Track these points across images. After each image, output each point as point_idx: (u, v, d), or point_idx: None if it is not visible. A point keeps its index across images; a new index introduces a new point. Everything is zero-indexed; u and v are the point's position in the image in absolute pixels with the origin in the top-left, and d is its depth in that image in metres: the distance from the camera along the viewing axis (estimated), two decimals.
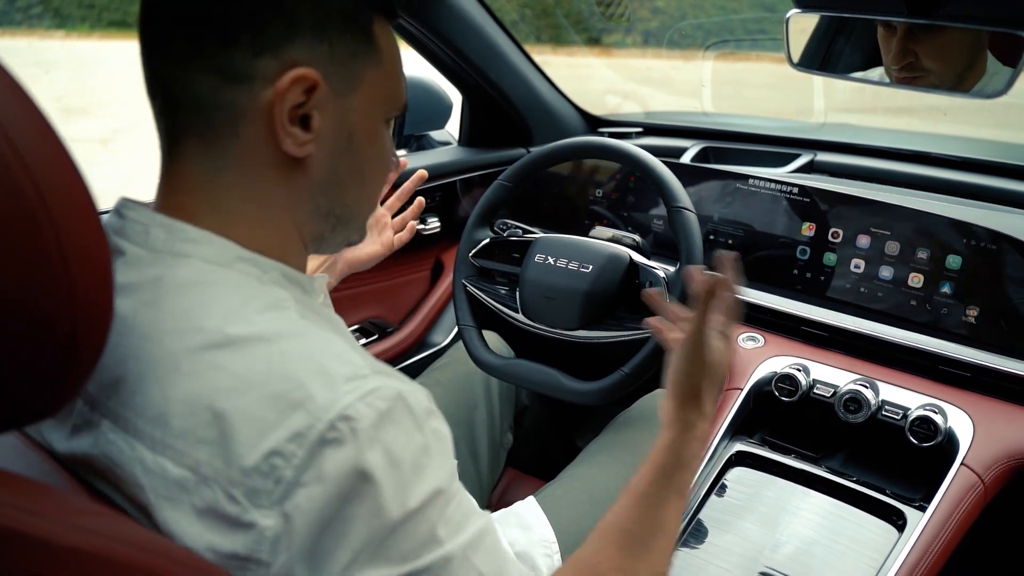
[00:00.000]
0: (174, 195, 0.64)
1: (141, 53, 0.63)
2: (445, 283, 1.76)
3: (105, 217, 0.65)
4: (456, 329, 1.71)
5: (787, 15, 1.11)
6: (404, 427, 0.57)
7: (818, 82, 1.96)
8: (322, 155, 0.64)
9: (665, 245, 1.52)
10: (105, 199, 0.62)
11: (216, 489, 0.54)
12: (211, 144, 0.62)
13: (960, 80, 1.21)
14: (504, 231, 1.43)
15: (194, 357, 0.56)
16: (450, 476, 0.61)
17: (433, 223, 1.69)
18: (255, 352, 0.56)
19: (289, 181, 0.64)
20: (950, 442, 1.10)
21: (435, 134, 1.81)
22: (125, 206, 0.64)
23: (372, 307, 1.66)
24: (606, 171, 1.62)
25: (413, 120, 1.70)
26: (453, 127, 1.85)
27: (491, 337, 1.47)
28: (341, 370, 0.56)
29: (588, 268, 1.24)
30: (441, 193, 1.71)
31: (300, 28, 0.60)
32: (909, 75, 1.15)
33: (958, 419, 1.12)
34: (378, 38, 0.66)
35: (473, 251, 1.37)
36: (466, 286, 1.37)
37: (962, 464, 1.07)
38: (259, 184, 0.63)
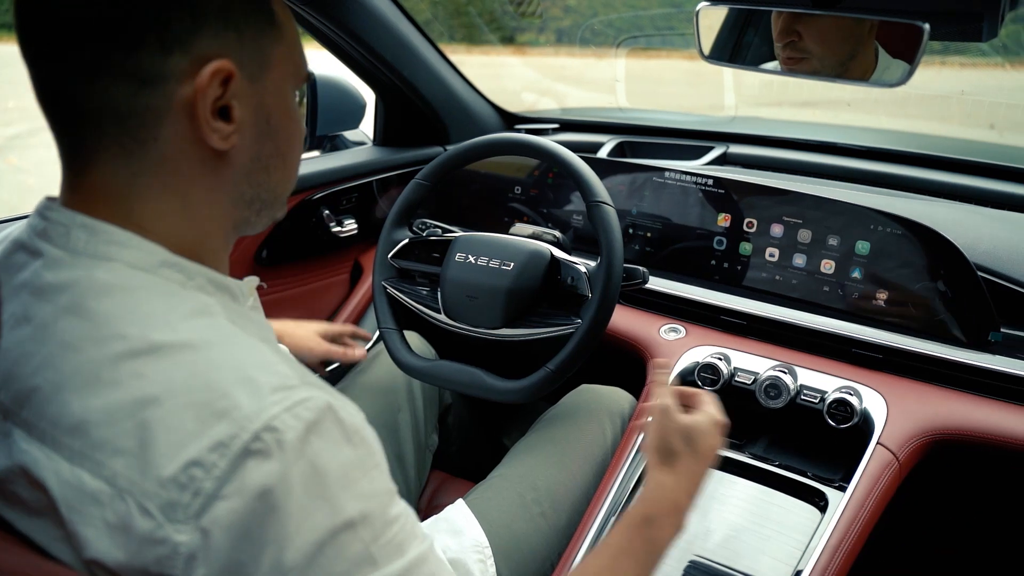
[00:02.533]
0: (85, 202, 0.60)
1: (29, 65, 0.58)
2: (364, 286, 1.72)
3: (29, 219, 0.61)
4: (377, 332, 1.69)
5: (697, 8, 1.13)
6: (332, 439, 0.55)
7: (728, 77, 2.00)
8: (245, 143, 0.63)
9: (585, 240, 1.52)
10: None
11: (130, 502, 0.51)
12: (130, 152, 0.59)
13: (844, 68, 1.25)
14: (423, 231, 1.40)
15: (115, 365, 0.53)
16: (387, 495, 0.59)
17: (350, 225, 1.65)
18: (180, 360, 0.54)
19: (212, 175, 0.62)
20: (866, 422, 1.13)
21: (349, 134, 1.77)
22: (48, 207, 0.61)
23: (290, 312, 1.61)
24: (524, 168, 1.62)
25: (326, 120, 1.65)
26: (367, 126, 1.81)
27: (413, 339, 1.44)
28: (268, 380, 0.54)
29: (510, 266, 1.22)
30: (357, 194, 1.67)
31: (205, 19, 0.58)
32: (793, 55, 1.18)
33: (872, 400, 1.15)
34: (278, 14, 0.64)
35: (392, 252, 1.34)
36: (386, 288, 1.34)
37: (878, 443, 1.11)
38: (180, 183, 0.61)
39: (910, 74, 0.97)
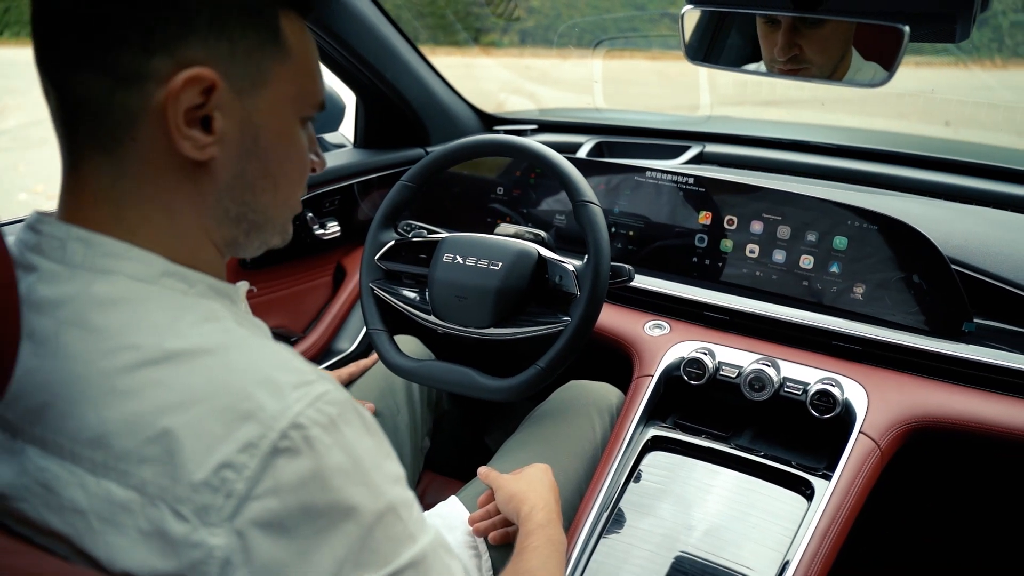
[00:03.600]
0: (78, 206, 0.60)
1: (34, 53, 0.59)
2: (348, 288, 1.72)
3: (18, 233, 0.61)
4: (362, 334, 1.69)
5: (682, 11, 1.15)
6: (357, 429, 0.57)
7: (704, 77, 2.03)
8: (227, 158, 0.61)
9: (567, 239, 1.54)
10: None
11: (163, 508, 0.52)
12: (110, 150, 0.58)
13: (833, 71, 1.29)
14: (408, 232, 1.41)
15: (130, 375, 0.54)
16: (404, 478, 0.61)
17: (333, 227, 1.65)
18: (197, 365, 0.54)
19: (193, 185, 0.61)
20: (847, 412, 1.17)
21: (329, 136, 1.77)
22: (40, 220, 0.60)
23: (273, 317, 1.61)
24: (506, 168, 1.63)
25: None
26: (346, 129, 1.81)
27: (410, 341, 1.45)
28: (287, 378, 0.55)
29: (498, 265, 1.24)
30: (340, 196, 1.67)
31: (195, 25, 0.57)
32: (795, 67, 1.21)
33: (853, 390, 1.19)
34: (286, 33, 0.62)
35: (379, 254, 1.35)
36: (373, 289, 1.35)
37: (860, 432, 1.14)
38: (161, 190, 0.60)
39: (891, 75, 1.01)
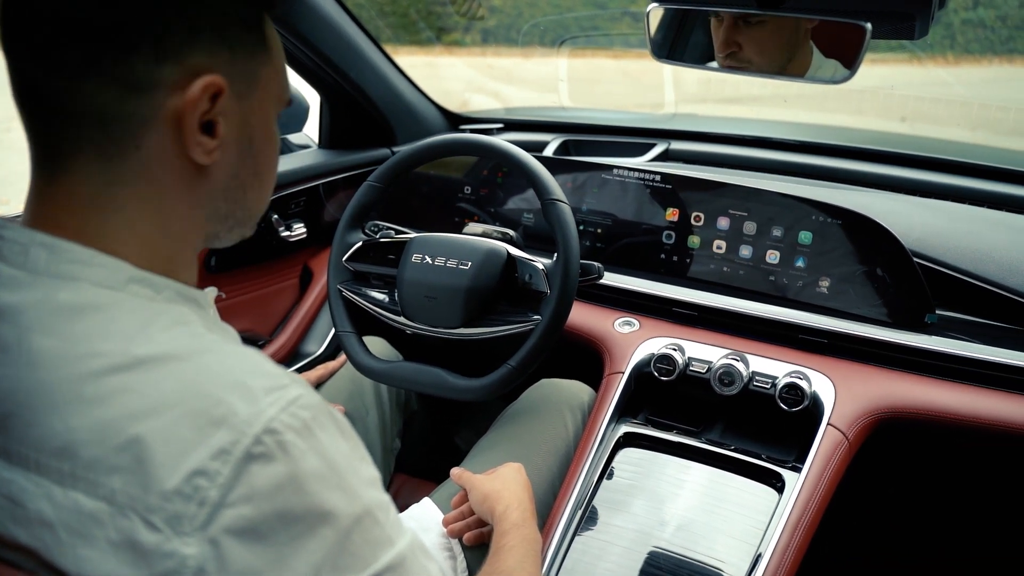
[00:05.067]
0: (50, 213, 0.59)
1: (8, 57, 0.57)
2: (315, 291, 1.71)
3: None
4: (331, 337, 1.67)
5: (647, 8, 1.16)
6: (331, 433, 0.56)
7: (668, 74, 2.05)
8: (225, 160, 0.62)
9: (535, 238, 1.54)
10: None
11: (134, 518, 0.51)
12: (109, 158, 0.57)
13: (782, 70, 1.31)
14: (376, 233, 1.40)
15: (98, 382, 0.52)
16: (379, 481, 0.61)
17: (299, 229, 1.63)
18: (167, 371, 0.53)
19: (190, 189, 0.61)
20: (816, 405, 1.19)
21: (293, 137, 1.75)
22: (1, 226, 0.59)
23: (239, 320, 1.58)
24: (472, 168, 1.63)
25: None
26: (310, 129, 1.79)
27: (377, 342, 1.44)
28: (260, 382, 0.54)
29: (467, 265, 1.24)
30: (305, 198, 1.65)
31: (201, 32, 0.57)
32: (734, 64, 1.23)
33: (821, 383, 1.20)
34: (268, 33, 0.64)
35: (347, 255, 1.34)
36: (342, 291, 1.33)
37: (828, 424, 1.16)
38: (157, 195, 0.60)
39: (854, 71, 1.02)
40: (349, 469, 0.56)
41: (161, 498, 0.50)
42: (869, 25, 0.95)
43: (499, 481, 1.05)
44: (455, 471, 1.12)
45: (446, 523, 1.09)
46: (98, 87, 0.55)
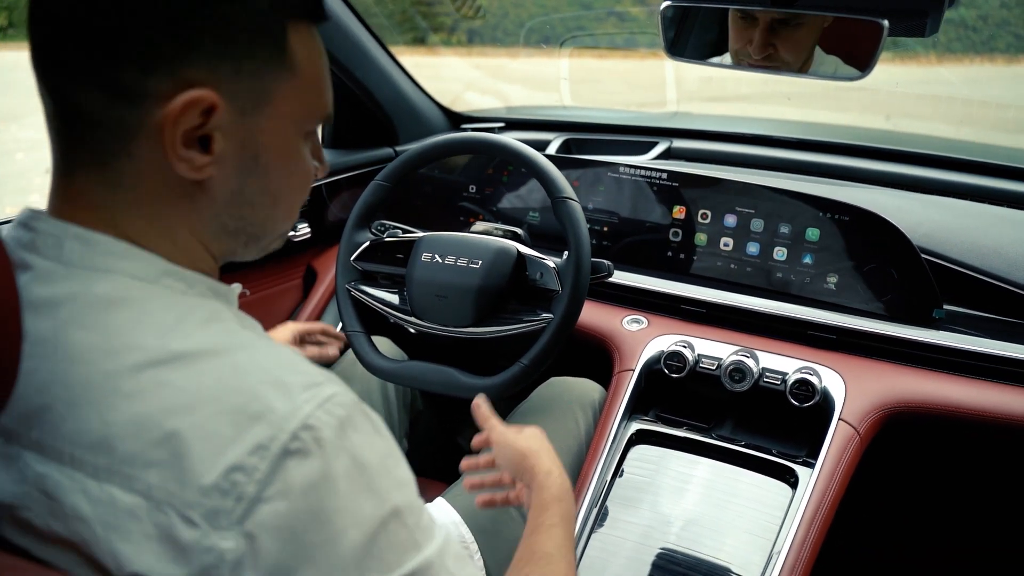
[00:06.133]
0: (72, 209, 0.58)
1: (31, 55, 0.57)
2: (320, 290, 1.70)
3: (8, 230, 0.59)
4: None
5: (661, 7, 1.16)
6: (366, 432, 0.56)
7: (671, 73, 2.05)
8: (225, 177, 0.59)
9: (541, 236, 1.54)
10: None
11: (171, 513, 0.50)
12: (104, 162, 0.57)
13: (802, 69, 1.32)
14: (382, 232, 1.40)
15: (135, 376, 0.52)
16: (414, 482, 0.60)
17: (303, 229, 1.63)
18: (204, 366, 0.53)
19: (189, 202, 0.59)
20: (826, 400, 1.19)
21: None
22: (33, 217, 0.58)
23: None
24: (476, 167, 1.63)
25: None
26: None
27: (382, 341, 1.44)
28: (296, 379, 0.54)
29: (478, 263, 1.23)
30: (309, 197, 1.64)
31: (199, 45, 0.55)
32: (770, 65, 1.23)
33: (831, 379, 1.21)
34: (293, 48, 0.59)
35: (355, 254, 1.34)
36: (350, 291, 1.33)
37: (840, 419, 1.17)
38: (157, 205, 0.59)
39: (870, 68, 1.03)
40: (381, 470, 0.56)
41: (199, 493, 0.50)
42: (886, 22, 0.96)
43: (536, 440, 0.97)
44: (483, 411, 1.03)
45: (464, 468, 1.05)
46: (89, 91, 0.55)
